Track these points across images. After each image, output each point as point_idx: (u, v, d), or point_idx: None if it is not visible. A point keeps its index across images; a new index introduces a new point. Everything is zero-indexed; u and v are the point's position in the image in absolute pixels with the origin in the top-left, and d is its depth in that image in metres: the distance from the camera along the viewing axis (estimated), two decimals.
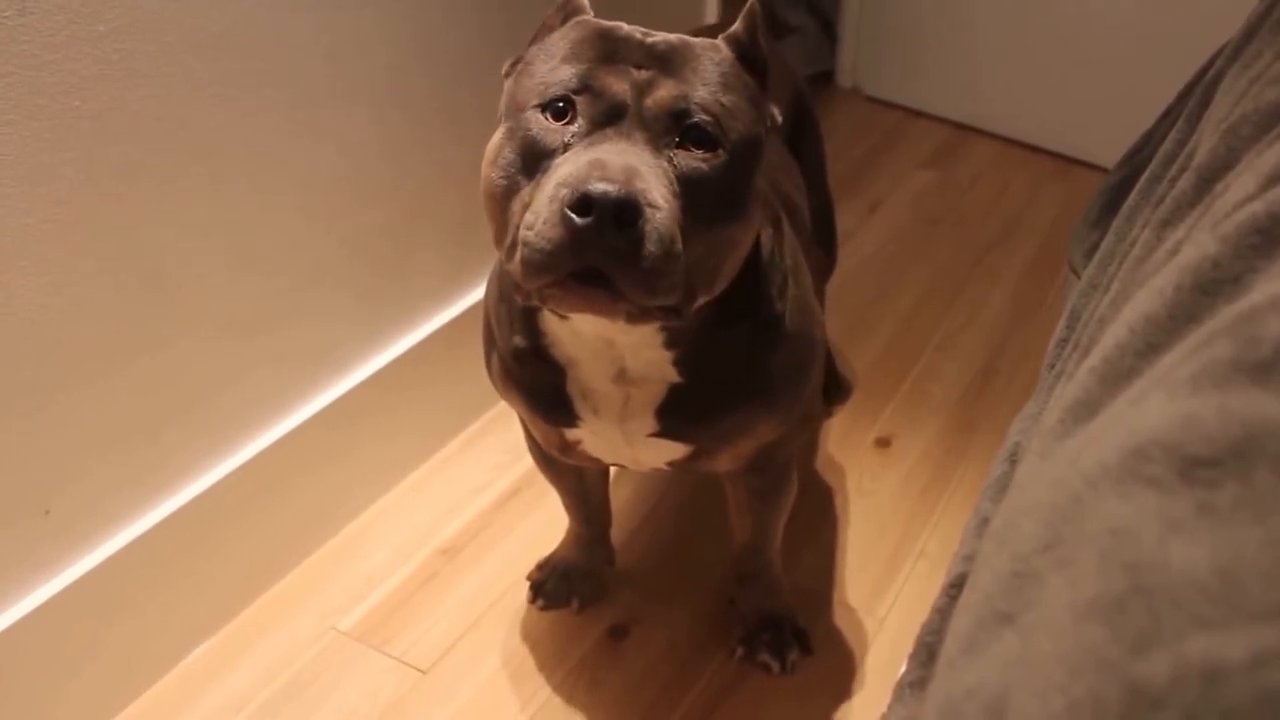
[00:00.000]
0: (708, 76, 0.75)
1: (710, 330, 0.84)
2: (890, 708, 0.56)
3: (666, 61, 0.74)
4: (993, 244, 1.90)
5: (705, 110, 0.73)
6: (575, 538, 1.21)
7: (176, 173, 1.01)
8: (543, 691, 1.13)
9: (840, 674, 1.14)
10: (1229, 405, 0.35)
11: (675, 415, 0.89)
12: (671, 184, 0.71)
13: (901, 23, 2.28)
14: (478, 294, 1.41)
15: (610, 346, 0.84)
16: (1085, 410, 0.46)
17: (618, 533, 1.25)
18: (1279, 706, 0.26)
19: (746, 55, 0.80)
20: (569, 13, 0.81)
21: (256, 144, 1.09)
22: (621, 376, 0.87)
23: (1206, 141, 0.66)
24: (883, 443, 1.45)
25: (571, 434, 0.94)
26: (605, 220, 0.65)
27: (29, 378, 0.95)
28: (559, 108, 0.72)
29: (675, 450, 0.93)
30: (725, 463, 0.98)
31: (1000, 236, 1.93)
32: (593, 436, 0.93)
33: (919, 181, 2.10)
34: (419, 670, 1.15)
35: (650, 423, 0.89)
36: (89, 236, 0.96)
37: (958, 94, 2.25)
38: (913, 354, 1.62)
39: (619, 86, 0.72)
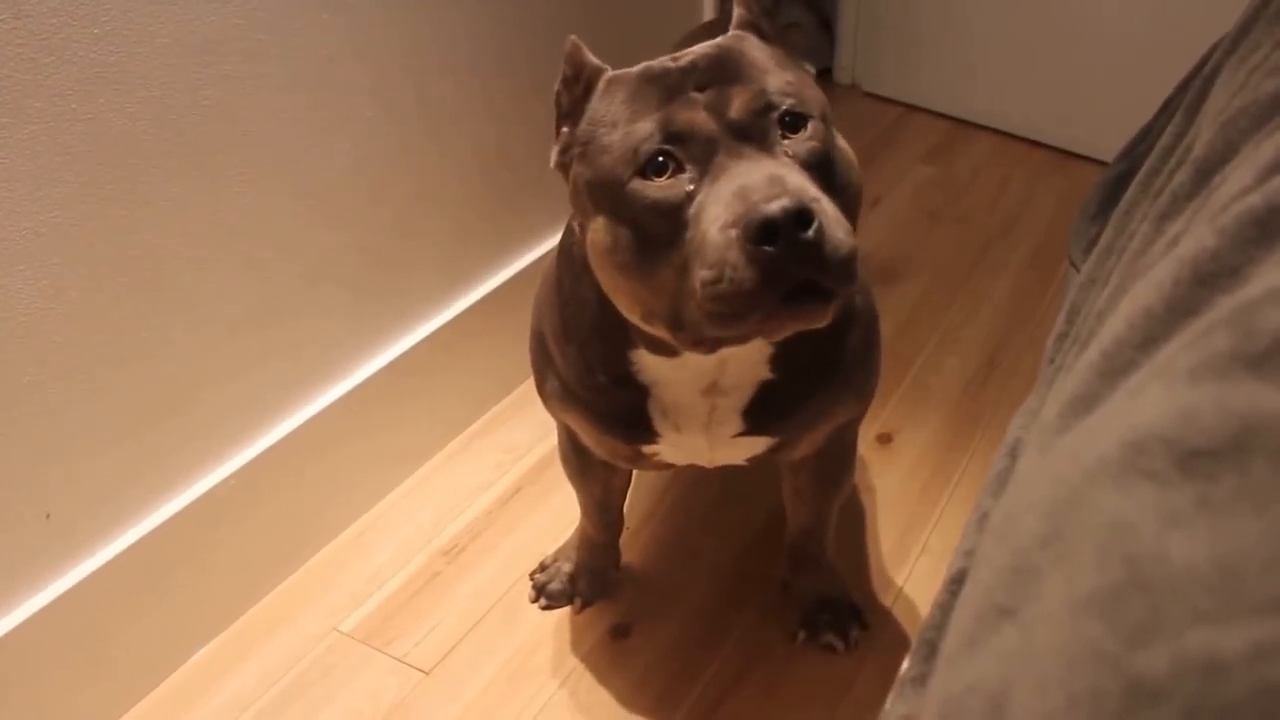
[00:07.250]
0: (759, 65, 0.74)
1: None
2: (891, 704, 0.56)
3: (717, 72, 0.73)
4: (993, 239, 1.90)
5: (783, 94, 0.72)
6: (585, 541, 1.21)
7: (173, 175, 1.01)
8: (545, 691, 1.13)
9: (842, 670, 1.13)
10: (1226, 397, 0.35)
11: (761, 412, 0.89)
12: (803, 173, 0.70)
13: (899, 18, 2.28)
14: (477, 295, 1.41)
15: (720, 363, 0.83)
16: (1084, 404, 0.46)
17: None
18: (1279, 700, 0.26)
19: (763, 34, 0.80)
20: (589, 77, 0.78)
21: (254, 146, 1.09)
22: (712, 389, 0.86)
23: (1204, 134, 0.66)
24: (884, 439, 1.45)
25: (648, 448, 0.93)
26: (791, 234, 0.64)
27: (29, 382, 0.95)
28: (660, 163, 0.70)
29: (758, 445, 0.93)
30: (803, 449, 0.98)
31: (1000, 231, 1.92)
32: (670, 448, 0.93)
33: (918, 177, 2.10)
34: (421, 671, 1.15)
35: (736, 424, 0.89)
36: (87, 240, 0.96)
37: (956, 89, 2.25)
38: (914, 349, 1.62)
39: (698, 116, 0.71)
